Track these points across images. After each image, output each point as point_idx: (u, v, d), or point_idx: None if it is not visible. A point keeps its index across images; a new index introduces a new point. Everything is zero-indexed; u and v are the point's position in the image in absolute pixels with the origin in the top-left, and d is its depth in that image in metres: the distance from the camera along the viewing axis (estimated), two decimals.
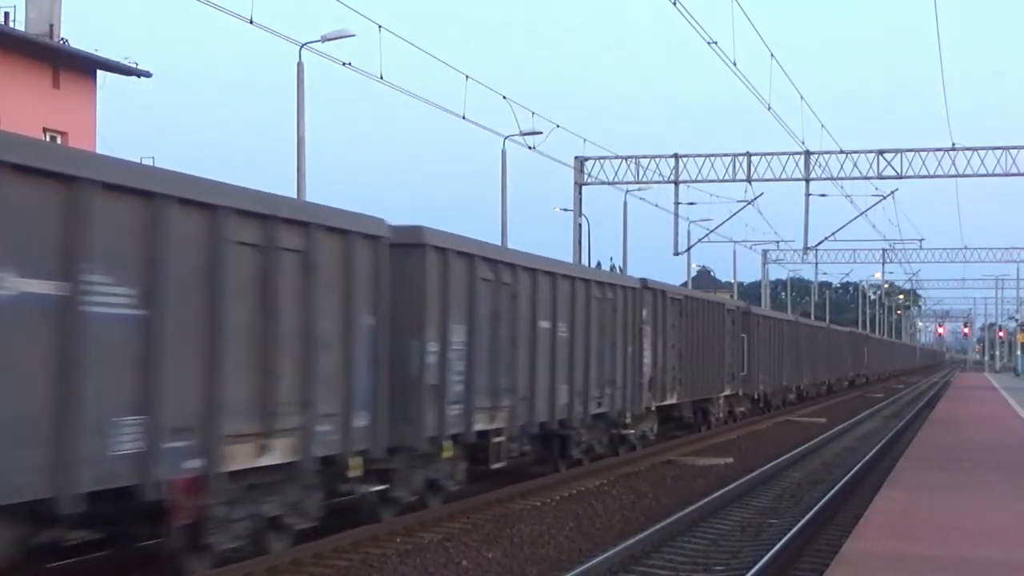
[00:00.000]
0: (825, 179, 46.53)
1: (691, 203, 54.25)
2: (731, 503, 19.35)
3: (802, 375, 49.12)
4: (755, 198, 49.86)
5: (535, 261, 19.75)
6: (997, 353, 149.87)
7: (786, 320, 46.74)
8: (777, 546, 14.39)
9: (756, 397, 39.08)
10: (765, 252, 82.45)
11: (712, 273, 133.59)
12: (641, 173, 47.35)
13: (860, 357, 72.86)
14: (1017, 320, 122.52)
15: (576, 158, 46.43)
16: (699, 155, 46.69)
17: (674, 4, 25.18)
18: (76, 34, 76.13)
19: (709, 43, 29.33)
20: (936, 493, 17.14)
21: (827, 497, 19.00)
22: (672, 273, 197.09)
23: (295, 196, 27.30)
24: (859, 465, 24.25)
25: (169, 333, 10.95)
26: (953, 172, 45.09)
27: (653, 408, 26.68)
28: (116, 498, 10.69)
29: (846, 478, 21.86)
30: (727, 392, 34.24)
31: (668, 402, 27.99)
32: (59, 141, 36.09)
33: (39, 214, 9.74)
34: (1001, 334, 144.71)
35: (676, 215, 49.48)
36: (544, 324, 19.84)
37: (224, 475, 11.87)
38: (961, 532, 13.83)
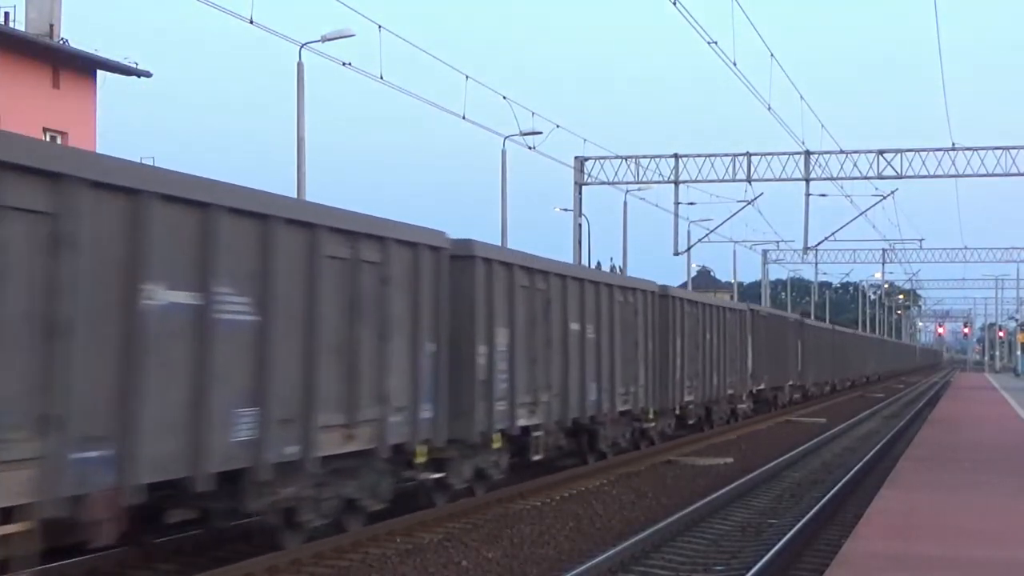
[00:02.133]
0: (825, 179, 46.55)
1: (691, 203, 54.37)
2: (731, 503, 19.35)
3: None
4: (755, 198, 49.92)
5: (566, 268, 21.37)
6: (997, 353, 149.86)
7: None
8: (777, 546, 14.38)
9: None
10: (765, 252, 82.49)
11: (712, 273, 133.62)
12: (641, 173, 47.36)
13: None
14: (1017, 320, 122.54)
15: (576, 158, 46.44)
16: (699, 155, 46.71)
17: (674, 4, 25.18)
18: (76, 34, 76.14)
19: (709, 43, 29.35)
20: (936, 493, 17.14)
21: (827, 497, 19.00)
22: (672, 273, 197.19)
23: (295, 196, 27.27)
24: (859, 465, 24.24)
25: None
26: (953, 172, 45.09)
27: None
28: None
29: (846, 478, 21.85)
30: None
31: None
32: (59, 141, 36.10)
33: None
34: (1001, 334, 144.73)
35: (676, 215, 49.49)
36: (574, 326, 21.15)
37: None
38: (961, 532, 13.83)
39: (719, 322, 32.89)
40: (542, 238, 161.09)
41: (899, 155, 45.05)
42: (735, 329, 35.38)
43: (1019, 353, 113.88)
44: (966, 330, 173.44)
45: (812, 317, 66.96)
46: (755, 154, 45.97)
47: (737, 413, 36.52)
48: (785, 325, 45.61)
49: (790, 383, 45.90)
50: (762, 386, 40.08)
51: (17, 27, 37.89)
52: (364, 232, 14.19)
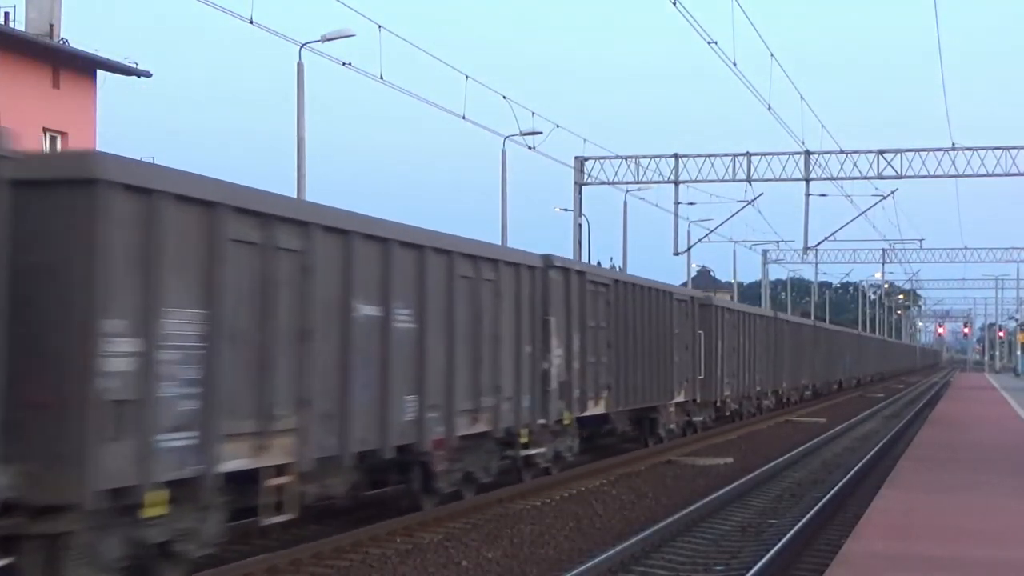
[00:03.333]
0: (825, 179, 46.54)
1: (691, 203, 54.37)
2: (731, 503, 19.35)
3: None
4: (755, 198, 49.93)
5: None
6: (997, 353, 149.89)
7: None
8: (777, 546, 14.39)
9: None
10: (765, 252, 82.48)
11: (712, 273, 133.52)
12: (641, 173, 47.36)
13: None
14: (1017, 320, 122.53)
15: (576, 158, 46.44)
16: (699, 155, 46.70)
17: (674, 4, 25.18)
18: (76, 34, 76.16)
19: (709, 43, 29.36)
20: (936, 493, 17.15)
21: (827, 497, 19.00)
22: (672, 273, 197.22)
23: (295, 196, 27.26)
24: (859, 465, 24.25)
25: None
26: (953, 172, 45.09)
27: None
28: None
29: (846, 478, 21.86)
30: None
31: None
32: (59, 141, 36.08)
33: None
34: (1001, 334, 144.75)
35: (676, 215, 49.51)
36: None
37: None
38: (961, 532, 13.84)
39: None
40: (542, 238, 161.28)
41: (899, 155, 45.05)
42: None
43: (1019, 353, 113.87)
44: (966, 330, 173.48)
45: (812, 317, 66.09)
46: (755, 154, 45.99)
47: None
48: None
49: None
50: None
51: (17, 27, 37.87)
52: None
